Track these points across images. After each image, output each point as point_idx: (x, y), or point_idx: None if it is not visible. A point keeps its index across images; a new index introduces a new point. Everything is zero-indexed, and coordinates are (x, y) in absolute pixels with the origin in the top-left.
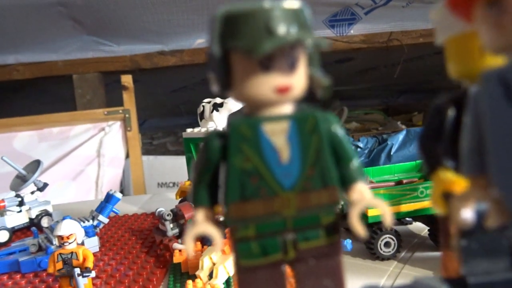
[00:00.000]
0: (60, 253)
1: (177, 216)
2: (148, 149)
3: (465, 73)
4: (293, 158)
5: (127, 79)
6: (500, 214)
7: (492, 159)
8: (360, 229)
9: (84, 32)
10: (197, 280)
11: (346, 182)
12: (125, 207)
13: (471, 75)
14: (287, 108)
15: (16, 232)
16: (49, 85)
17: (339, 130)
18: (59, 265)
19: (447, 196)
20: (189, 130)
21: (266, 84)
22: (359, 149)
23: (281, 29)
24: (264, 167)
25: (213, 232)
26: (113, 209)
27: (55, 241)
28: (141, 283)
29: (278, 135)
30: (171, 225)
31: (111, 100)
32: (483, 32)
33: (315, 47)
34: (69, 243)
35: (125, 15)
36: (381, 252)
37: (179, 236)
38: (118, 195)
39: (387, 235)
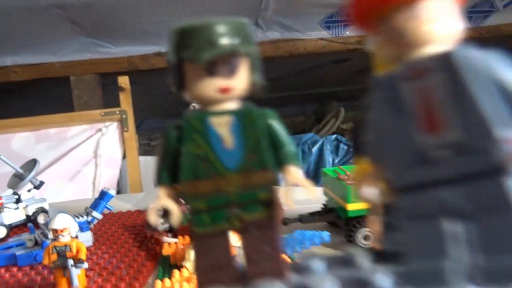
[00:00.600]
0: (54, 246)
1: (167, 212)
2: (146, 150)
3: None
4: (236, 145)
5: (124, 80)
6: (390, 192)
7: (380, 148)
8: (289, 202)
9: (82, 33)
10: (184, 270)
11: (281, 164)
12: (120, 204)
13: None
14: (231, 105)
15: (13, 228)
16: (47, 86)
17: (275, 123)
18: (54, 257)
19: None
20: None
21: (210, 86)
22: (351, 149)
23: (220, 41)
24: (211, 153)
25: (172, 206)
26: (107, 206)
27: (50, 235)
28: (132, 274)
29: (222, 126)
30: (162, 221)
31: (109, 101)
32: (379, 44)
33: (251, 56)
34: (63, 236)
35: (123, 16)
36: (360, 245)
37: (169, 230)
38: (112, 192)
39: (366, 229)
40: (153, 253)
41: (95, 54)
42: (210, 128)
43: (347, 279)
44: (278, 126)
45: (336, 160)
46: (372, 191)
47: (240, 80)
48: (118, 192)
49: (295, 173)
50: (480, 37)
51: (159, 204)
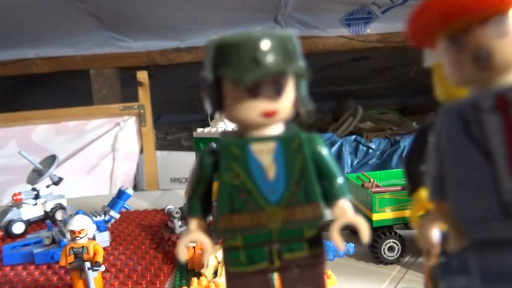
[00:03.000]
0: (72, 247)
1: (185, 214)
2: (163, 144)
3: (446, 97)
4: (279, 175)
5: (142, 75)
6: (458, 239)
7: (450, 188)
8: (339, 243)
9: (102, 27)
10: (202, 278)
11: (330, 198)
12: (137, 202)
13: (451, 99)
14: (275, 129)
15: (31, 224)
16: (67, 79)
17: (323, 150)
18: (71, 258)
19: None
20: (199, 129)
21: (253, 109)
22: (371, 150)
23: (266, 59)
24: (251, 184)
25: (204, 239)
26: (124, 205)
27: (68, 236)
28: (148, 278)
29: (265, 154)
30: (180, 223)
31: (127, 95)
32: (444, 64)
33: (299, 76)
34: (81, 238)
35: (142, 11)
36: (385, 256)
37: None
38: (130, 191)
39: (391, 240)
40: (171, 256)
41: (114, 48)
42: (251, 156)
43: None
44: (326, 153)
45: (355, 162)
46: (435, 234)
47: (286, 102)
48: (135, 186)
49: (347, 208)
50: None
51: (190, 237)
